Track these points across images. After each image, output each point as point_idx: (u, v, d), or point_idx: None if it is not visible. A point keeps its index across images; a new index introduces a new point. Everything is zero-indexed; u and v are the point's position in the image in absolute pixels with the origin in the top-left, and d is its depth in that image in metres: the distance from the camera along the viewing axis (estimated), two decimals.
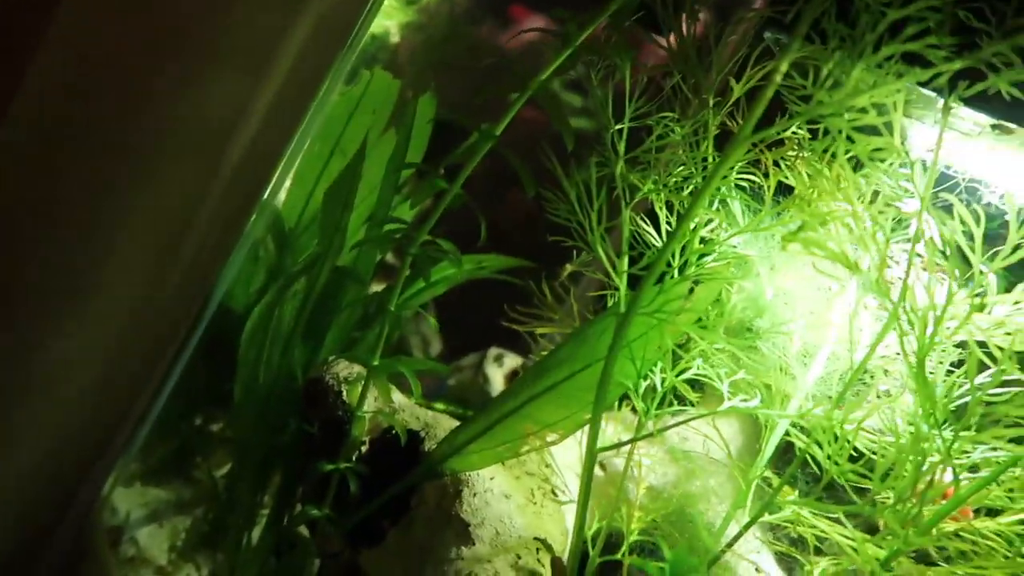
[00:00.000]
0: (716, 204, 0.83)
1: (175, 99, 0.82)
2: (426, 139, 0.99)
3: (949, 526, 0.71)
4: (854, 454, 0.73)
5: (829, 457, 0.69)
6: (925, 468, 0.64)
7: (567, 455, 0.99)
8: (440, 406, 1.12)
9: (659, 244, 0.84)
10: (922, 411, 0.64)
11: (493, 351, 1.17)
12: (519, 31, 1.37)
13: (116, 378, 0.92)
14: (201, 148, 0.85)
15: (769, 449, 0.83)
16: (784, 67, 0.66)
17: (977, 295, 0.69)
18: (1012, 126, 0.70)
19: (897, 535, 0.62)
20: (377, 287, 0.97)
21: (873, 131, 0.68)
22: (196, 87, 0.83)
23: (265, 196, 0.95)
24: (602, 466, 1.01)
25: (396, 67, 1.36)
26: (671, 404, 0.87)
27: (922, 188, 0.68)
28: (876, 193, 0.73)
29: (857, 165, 0.72)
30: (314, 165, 1.01)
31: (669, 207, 0.85)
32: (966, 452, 0.68)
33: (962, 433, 0.62)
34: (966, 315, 0.62)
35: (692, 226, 0.80)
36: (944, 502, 0.66)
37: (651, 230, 0.86)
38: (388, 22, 1.29)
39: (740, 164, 0.79)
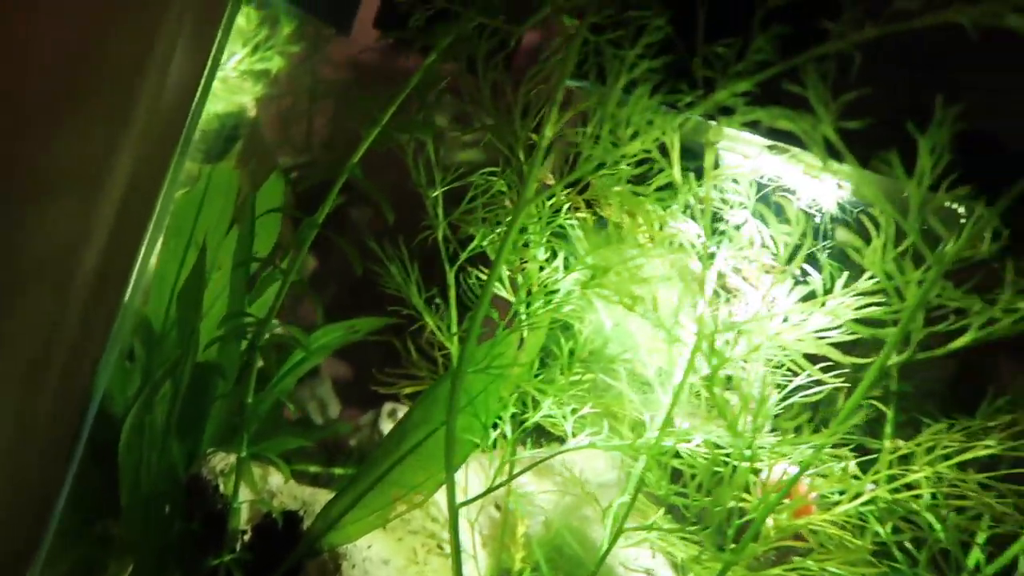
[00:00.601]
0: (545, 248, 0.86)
1: (10, 237, 0.85)
2: (276, 226, 1.02)
3: (796, 522, 0.76)
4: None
5: (663, 481, 0.73)
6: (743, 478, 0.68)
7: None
8: (340, 470, 1.15)
9: (513, 296, 0.88)
10: (725, 427, 0.68)
11: (387, 406, 1.19)
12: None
13: (4, 498, 0.93)
14: (48, 275, 0.88)
15: (634, 475, 0.86)
16: (551, 124, 0.71)
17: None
18: (784, 145, 0.75)
19: (724, 550, 0.66)
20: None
21: (691, 155, 0.73)
22: (30, 222, 0.85)
23: (127, 299, 0.97)
24: (497, 506, 1.04)
25: (260, 137, 1.38)
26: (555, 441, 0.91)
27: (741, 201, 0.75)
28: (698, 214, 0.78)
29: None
30: (171, 263, 1.03)
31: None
32: (785, 455, 0.73)
33: (759, 442, 0.66)
34: (736, 337, 0.66)
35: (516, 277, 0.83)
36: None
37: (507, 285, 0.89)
38: (242, 99, 1.32)
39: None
